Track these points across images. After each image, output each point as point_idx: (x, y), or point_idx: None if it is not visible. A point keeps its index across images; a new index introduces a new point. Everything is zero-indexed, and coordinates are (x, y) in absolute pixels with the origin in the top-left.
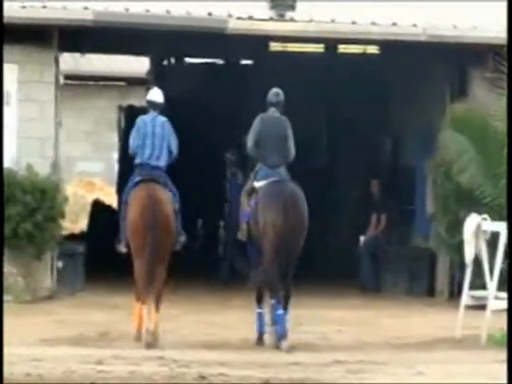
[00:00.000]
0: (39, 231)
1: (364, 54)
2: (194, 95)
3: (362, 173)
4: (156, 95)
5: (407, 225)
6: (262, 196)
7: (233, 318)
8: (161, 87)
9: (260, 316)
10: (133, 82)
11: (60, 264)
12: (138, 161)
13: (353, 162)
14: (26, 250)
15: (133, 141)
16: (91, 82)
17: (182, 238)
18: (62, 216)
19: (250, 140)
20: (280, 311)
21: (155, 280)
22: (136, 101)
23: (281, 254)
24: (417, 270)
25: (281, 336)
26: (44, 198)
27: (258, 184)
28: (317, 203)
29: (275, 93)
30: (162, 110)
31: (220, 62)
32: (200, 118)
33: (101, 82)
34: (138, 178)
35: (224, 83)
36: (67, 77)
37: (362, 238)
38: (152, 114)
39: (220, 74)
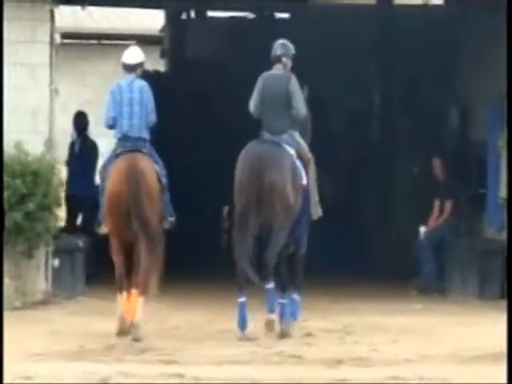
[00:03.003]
0: (30, 222)
1: (425, 6)
2: (219, 56)
3: (422, 150)
4: (130, 55)
5: (477, 213)
6: (240, 158)
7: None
8: (179, 46)
9: (241, 306)
10: (144, 41)
11: (56, 262)
12: (117, 134)
13: (411, 137)
14: (14, 245)
15: (108, 111)
16: (93, 42)
17: (172, 218)
18: (59, 204)
19: (251, 104)
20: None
21: (140, 262)
22: (148, 64)
23: (246, 225)
24: (489, 267)
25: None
26: (36, 182)
27: None
28: (367, 187)
29: (280, 45)
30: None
31: (250, 15)
32: (226, 84)
33: (105, 41)
34: (119, 150)
35: (254, 42)
36: (64, 35)
37: (422, 229)
38: (128, 77)
39: (250, 30)
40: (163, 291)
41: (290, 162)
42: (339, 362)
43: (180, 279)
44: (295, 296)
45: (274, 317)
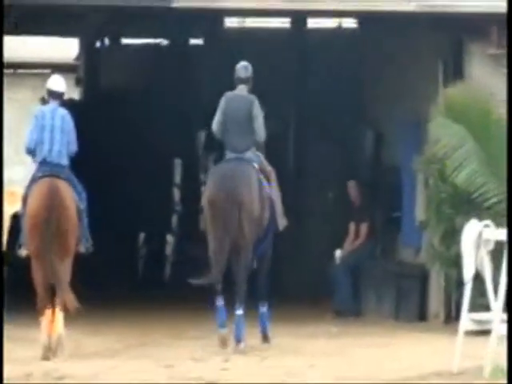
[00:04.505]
0: None
1: (338, 29)
2: (134, 83)
3: (337, 173)
4: (56, 83)
5: (393, 235)
6: (208, 179)
7: (184, 353)
8: (93, 74)
9: (219, 310)
10: (59, 69)
11: None
12: (37, 159)
13: (326, 161)
14: None
15: (30, 135)
16: (9, 70)
17: (88, 245)
18: None
19: (214, 122)
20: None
21: (59, 283)
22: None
23: (223, 240)
24: (405, 289)
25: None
26: None
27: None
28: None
29: (244, 67)
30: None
31: (164, 42)
32: (141, 111)
33: (20, 70)
34: (38, 175)
35: (169, 68)
36: None
37: (337, 253)
38: (52, 104)
39: (164, 56)
40: (79, 316)
41: (256, 178)
42: None
43: (96, 304)
44: (264, 309)
45: (243, 345)
